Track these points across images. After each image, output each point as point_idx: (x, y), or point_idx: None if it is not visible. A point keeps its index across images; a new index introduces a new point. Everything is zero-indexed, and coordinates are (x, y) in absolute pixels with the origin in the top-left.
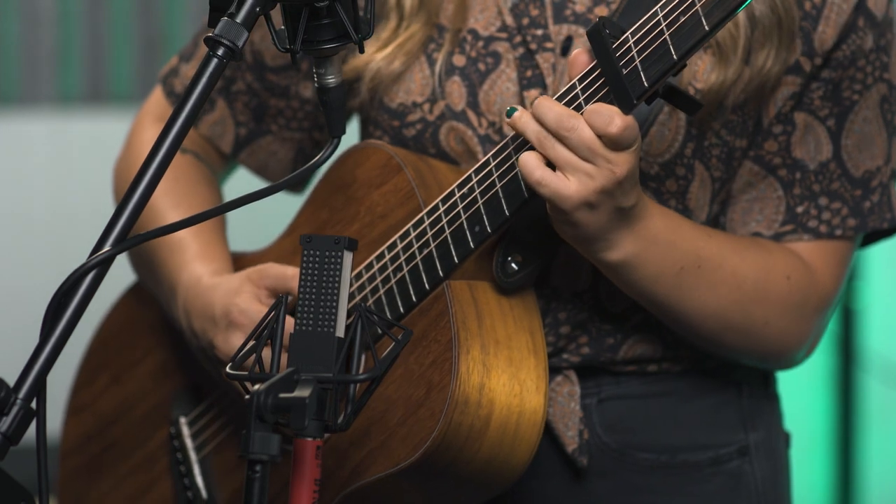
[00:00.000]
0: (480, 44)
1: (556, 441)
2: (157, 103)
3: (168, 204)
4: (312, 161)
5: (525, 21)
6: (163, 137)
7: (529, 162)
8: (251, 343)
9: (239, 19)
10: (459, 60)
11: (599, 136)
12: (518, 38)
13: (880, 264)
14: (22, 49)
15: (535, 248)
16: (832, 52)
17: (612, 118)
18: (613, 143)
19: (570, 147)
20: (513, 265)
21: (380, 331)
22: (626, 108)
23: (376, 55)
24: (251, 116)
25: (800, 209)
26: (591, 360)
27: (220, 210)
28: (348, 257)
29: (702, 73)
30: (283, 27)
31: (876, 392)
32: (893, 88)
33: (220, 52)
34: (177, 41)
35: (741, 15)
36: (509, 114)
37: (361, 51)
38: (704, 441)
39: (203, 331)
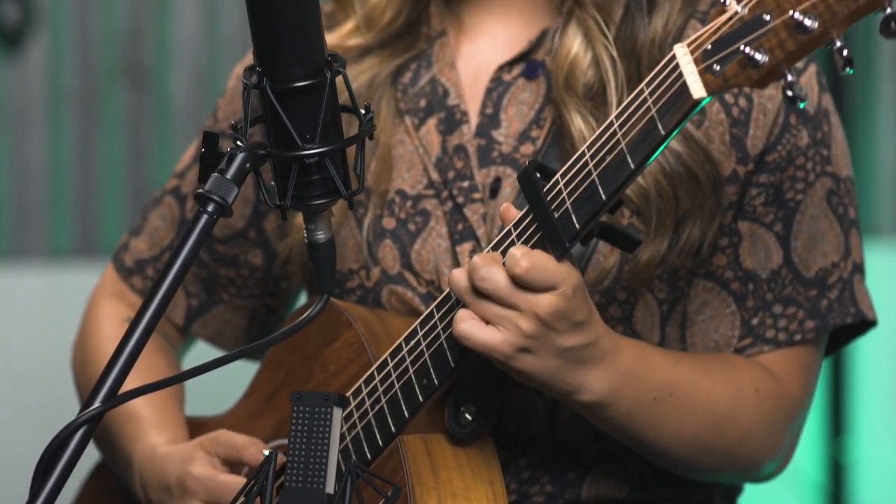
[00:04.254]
0: (409, 203)
1: None
2: (109, 280)
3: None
4: (301, 318)
5: (451, 174)
6: (154, 292)
7: (457, 315)
8: (241, 501)
9: (229, 175)
10: (389, 223)
11: (513, 280)
12: (445, 193)
13: (869, 418)
14: (13, 202)
15: (489, 396)
16: (766, 155)
17: (518, 259)
18: (526, 284)
19: (490, 295)
20: (466, 416)
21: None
22: (558, 252)
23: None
24: (202, 287)
25: (755, 321)
26: (555, 497)
27: (195, 372)
28: (338, 413)
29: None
30: (272, 183)
31: None
32: (840, 180)
33: (209, 209)
34: None
35: (664, 181)
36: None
37: (351, 207)
38: None
39: (160, 501)
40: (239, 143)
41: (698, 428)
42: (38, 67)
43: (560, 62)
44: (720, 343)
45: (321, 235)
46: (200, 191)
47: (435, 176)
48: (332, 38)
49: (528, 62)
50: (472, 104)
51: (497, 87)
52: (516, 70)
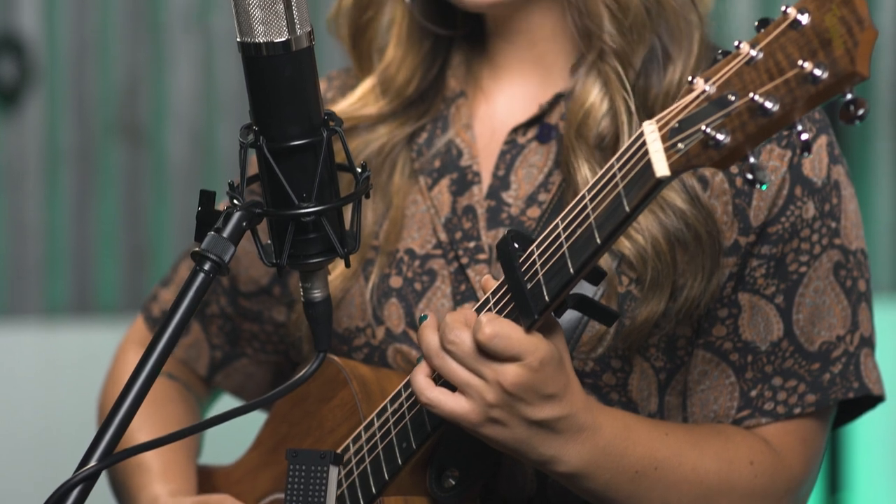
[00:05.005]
0: (417, 263)
1: None
2: (137, 330)
3: (135, 424)
4: (298, 376)
5: (458, 235)
6: (150, 350)
7: (419, 382)
8: None
9: (226, 234)
10: (396, 282)
11: (477, 346)
12: (451, 253)
13: (867, 476)
14: (9, 260)
15: (473, 460)
16: (769, 227)
17: (482, 326)
18: (489, 352)
19: (458, 360)
20: (450, 480)
21: None
22: (527, 322)
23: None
24: (226, 340)
25: (753, 393)
26: None
27: (197, 428)
28: (334, 471)
29: (629, 308)
30: (269, 241)
31: None
32: (850, 253)
33: (206, 267)
34: (163, 253)
35: (662, 242)
36: (421, 321)
37: (347, 265)
38: None
39: None
40: (236, 201)
41: (685, 500)
42: (34, 125)
43: (575, 110)
44: (719, 414)
45: (318, 294)
46: (197, 249)
47: (443, 236)
48: (345, 106)
49: (541, 126)
50: (486, 165)
51: (511, 150)
52: (531, 133)
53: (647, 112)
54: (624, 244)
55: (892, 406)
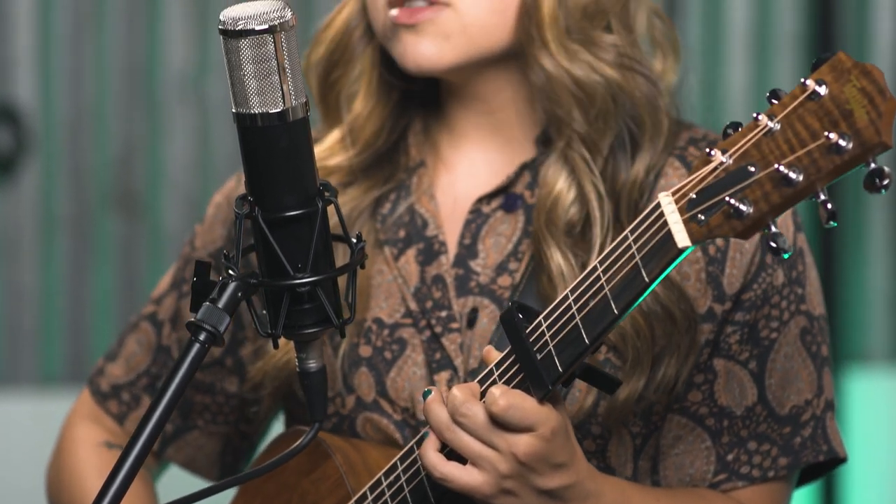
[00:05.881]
0: (386, 332)
1: None
2: (84, 403)
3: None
4: (294, 446)
5: (429, 304)
6: (144, 423)
7: (430, 458)
8: None
9: (221, 304)
10: (366, 351)
11: (491, 418)
12: (423, 322)
13: None
14: (4, 328)
15: None
16: (743, 294)
17: (496, 398)
18: (504, 423)
19: (470, 432)
20: None
21: None
22: (540, 394)
23: (284, 354)
24: (177, 413)
25: (730, 457)
26: None
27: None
28: None
29: None
30: (264, 311)
31: None
32: (814, 318)
33: (201, 338)
34: None
35: (640, 320)
36: (425, 396)
37: (342, 335)
38: None
39: None
40: (231, 271)
41: None
42: (31, 194)
43: (543, 197)
44: (695, 477)
45: (313, 364)
46: (192, 320)
47: (413, 305)
48: (315, 154)
49: (507, 196)
50: (451, 234)
51: (476, 219)
52: (495, 203)
53: (614, 199)
54: None
55: (888, 470)
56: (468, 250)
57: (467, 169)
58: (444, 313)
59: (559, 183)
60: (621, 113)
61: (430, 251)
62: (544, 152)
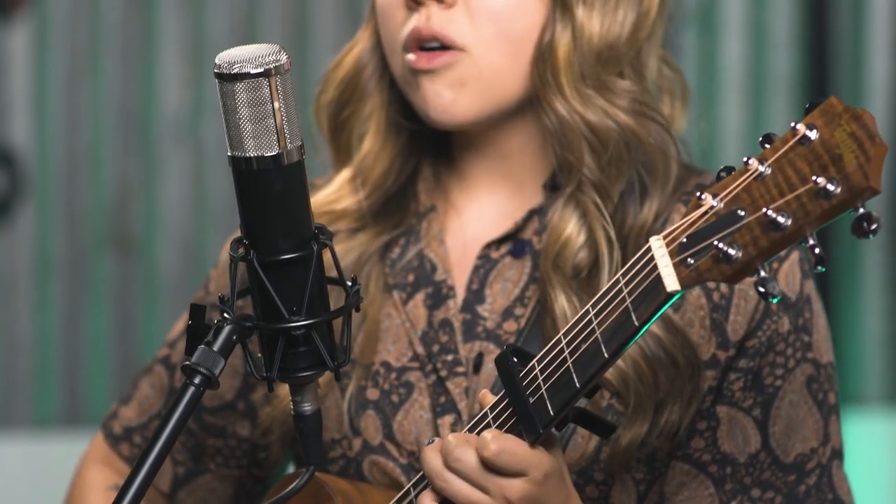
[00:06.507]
0: (393, 375)
1: None
2: (97, 447)
3: None
4: (287, 490)
5: (435, 348)
6: (140, 463)
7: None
8: None
9: (216, 347)
10: (373, 394)
11: (483, 462)
12: (429, 366)
13: None
14: None
15: None
16: (747, 341)
17: (488, 442)
18: (495, 468)
19: (463, 477)
20: None
21: None
22: (532, 437)
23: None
24: (189, 455)
25: None
26: None
27: None
28: None
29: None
30: (259, 354)
31: None
32: (821, 366)
33: (196, 381)
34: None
35: (643, 365)
36: (428, 444)
37: (338, 378)
38: None
39: None
40: (226, 315)
41: None
42: (26, 237)
43: (552, 241)
44: None
45: (308, 407)
46: (187, 363)
47: (420, 349)
48: (321, 198)
49: (515, 241)
50: (459, 279)
51: (484, 265)
52: (504, 248)
53: (622, 243)
54: None
55: None
56: (476, 295)
57: (477, 213)
58: (450, 357)
59: (569, 227)
60: (634, 159)
61: (439, 296)
62: (552, 197)
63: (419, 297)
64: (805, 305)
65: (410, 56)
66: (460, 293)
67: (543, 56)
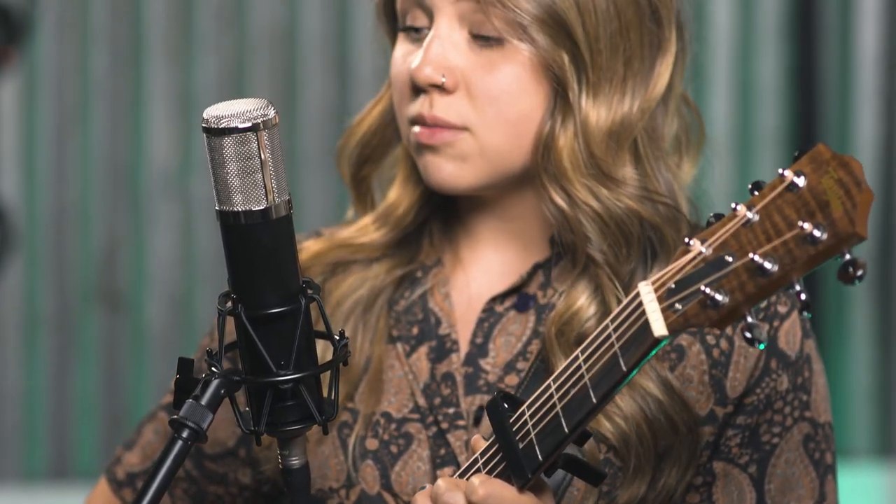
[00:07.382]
0: (393, 426)
1: None
2: (100, 492)
3: None
4: None
5: (437, 401)
6: None
7: None
8: None
9: (204, 401)
10: (372, 444)
11: None
12: (430, 419)
13: None
14: None
15: None
16: (745, 398)
17: (476, 488)
18: None
19: None
20: None
21: None
22: (520, 482)
23: None
24: (191, 503)
25: None
26: None
27: None
28: None
29: (610, 485)
30: (247, 409)
31: None
32: (819, 425)
33: (184, 435)
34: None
35: (644, 426)
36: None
37: (326, 432)
38: None
39: None
40: (214, 369)
41: None
42: (14, 291)
43: (561, 309)
44: None
45: (295, 461)
46: (175, 417)
47: (422, 401)
48: (347, 233)
49: (520, 296)
50: (463, 333)
51: (489, 318)
52: (508, 302)
53: None
54: (606, 427)
55: None
56: (479, 349)
57: (483, 268)
58: (451, 410)
59: (581, 299)
60: (643, 235)
61: (442, 349)
62: (558, 252)
63: (423, 349)
64: (805, 364)
65: (415, 129)
66: (464, 347)
67: (545, 144)
